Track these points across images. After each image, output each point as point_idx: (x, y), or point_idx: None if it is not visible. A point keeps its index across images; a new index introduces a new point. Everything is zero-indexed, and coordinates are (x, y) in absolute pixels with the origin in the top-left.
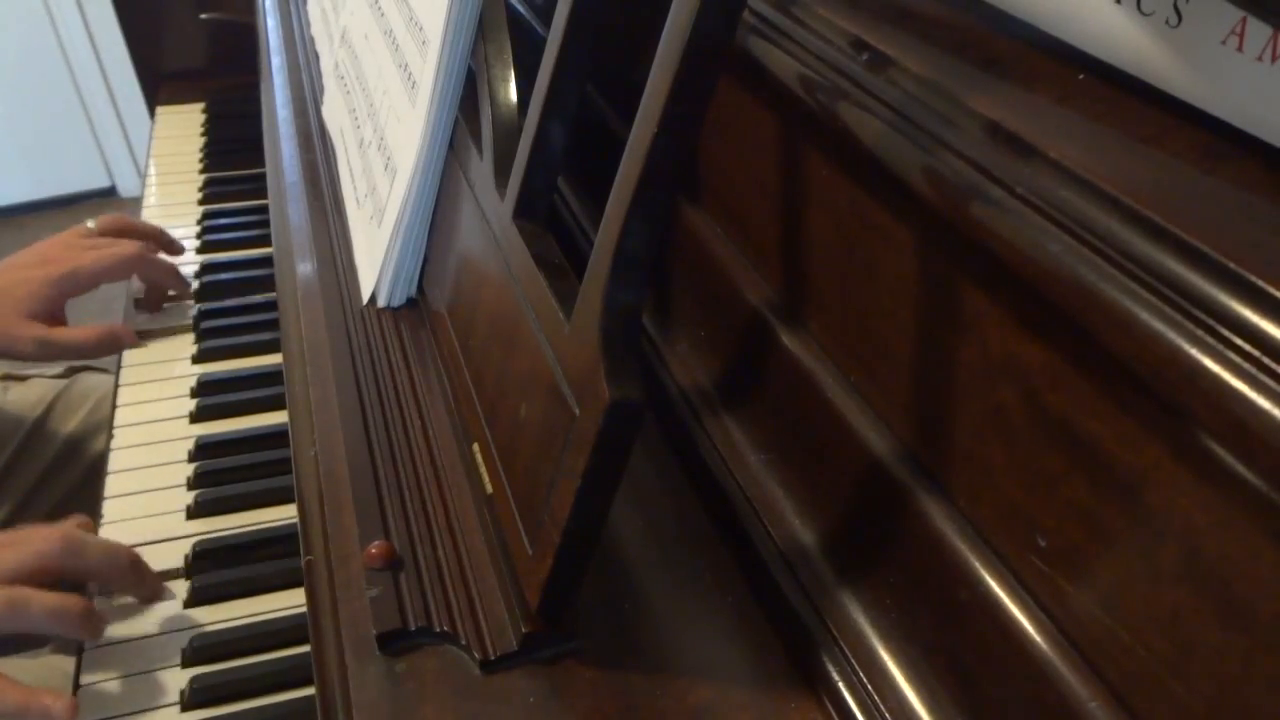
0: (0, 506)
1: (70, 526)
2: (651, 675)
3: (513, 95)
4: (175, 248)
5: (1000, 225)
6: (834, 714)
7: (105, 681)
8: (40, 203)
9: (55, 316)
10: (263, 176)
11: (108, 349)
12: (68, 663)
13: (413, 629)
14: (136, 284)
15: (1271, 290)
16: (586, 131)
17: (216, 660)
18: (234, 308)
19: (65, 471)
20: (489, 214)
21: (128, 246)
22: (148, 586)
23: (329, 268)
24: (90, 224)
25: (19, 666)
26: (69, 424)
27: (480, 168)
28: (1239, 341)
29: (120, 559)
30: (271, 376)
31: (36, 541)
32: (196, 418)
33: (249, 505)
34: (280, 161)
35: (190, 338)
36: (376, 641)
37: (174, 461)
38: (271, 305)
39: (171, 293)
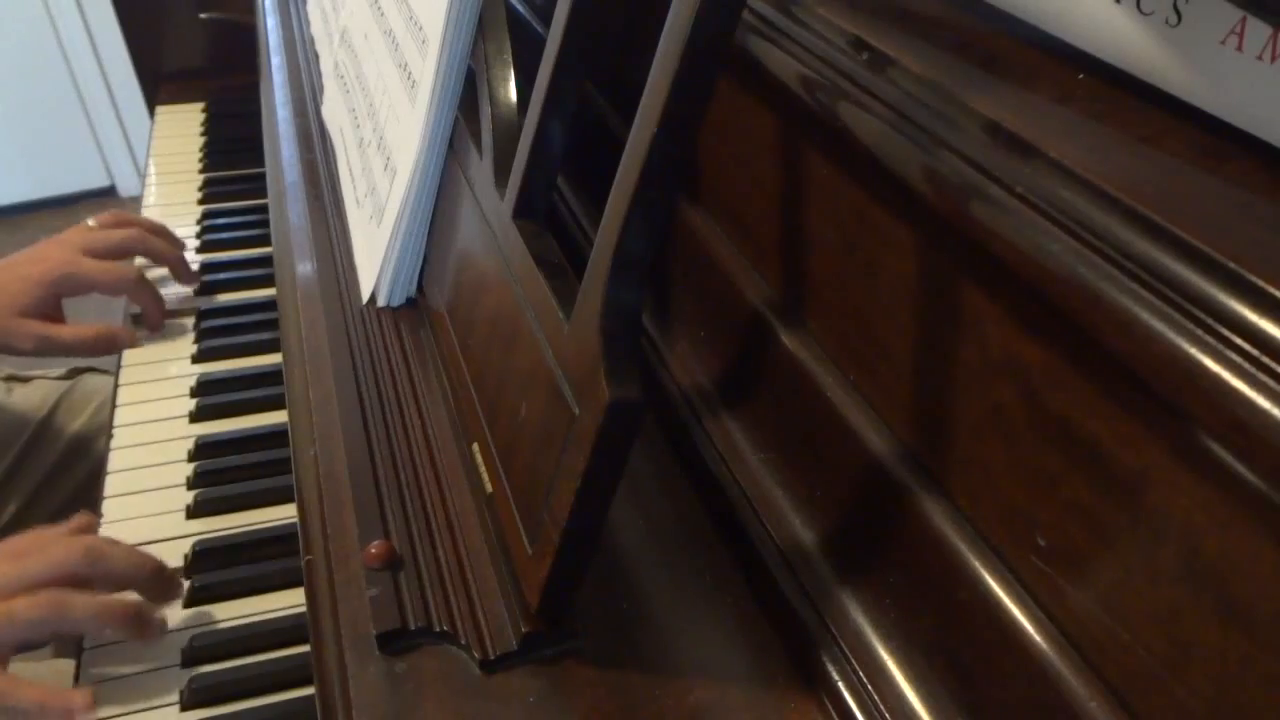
0: (6, 505)
1: (92, 536)
2: (651, 675)
3: (512, 95)
4: (176, 242)
5: (1000, 225)
6: (834, 714)
7: (105, 681)
8: (40, 202)
9: (52, 315)
10: (262, 176)
11: (106, 348)
12: (69, 664)
13: (412, 629)
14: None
15: (1271, 290)
16: (586, 131)
17: (216, 660)
18: (234, 307)
19: (70, 472)
20: (489, 213)
21: (129, 270)
22: (172, 594)
23: (329, 267)
24: (90, 222)
25: (19, 668)
26: (72, 426)
27: (480, 167)
28: (1239, 341)
29: (144, 568)
30: (271, 376)
31: (58, 550)
32: (196, 417)
33: (249, 505)
34: (280, 161)
35: (190, 337)
36: (376, 641)
37: (174, 461)
38: (271, 305)
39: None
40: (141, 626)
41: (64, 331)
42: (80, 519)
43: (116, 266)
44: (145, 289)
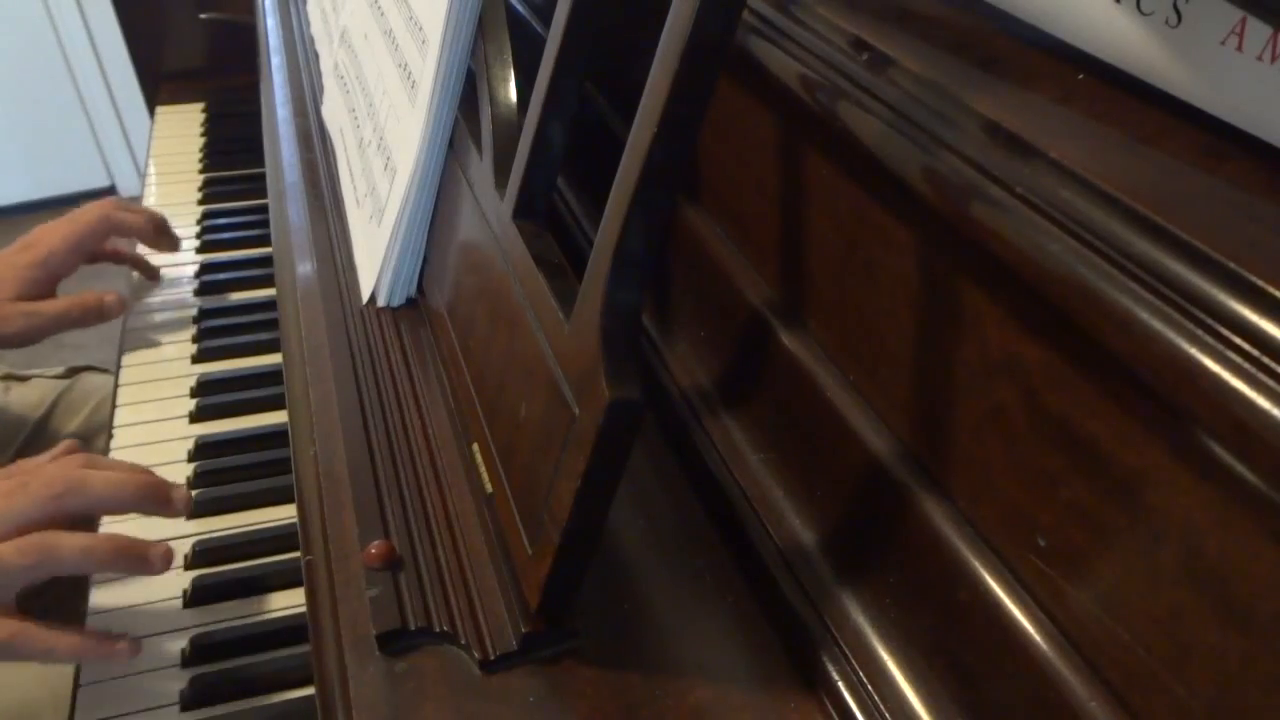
0: None
1: (73, 467)
2: (651, 675)
3: (513, 95)
4: (170, 235)
5: (1000, 225)
6: (834, 714)
7: (105, 681)
8: (40, 202)
9: (45, 300)
10: (262, 176)
11: (95, 317)
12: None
13: (412, 629)
14: (135, 276)
15: (1271, 290)
16: (586, 131)
17: (216, 660)
18: (234, 307)
19: None
20: (489, 213)
21: (92, 208)
22: (171, 505)
23: (329, 267)
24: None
25: (20, 665)
26: (70, 425)
27: (480, 167)
28: (1239, 341)
29: (126, 488)
30: (271, 376)
31: (36, 488)
32: (196, 418)
33: (249, 505)
34: (280, 161)
35: (190, 337)
36: (376, 641)
37: (174, 461)
38: (271, 305)
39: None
40: (139, 561)
41: (48, 305)
42: (65, 444)
43: (83, 216)
44: (121, 216)
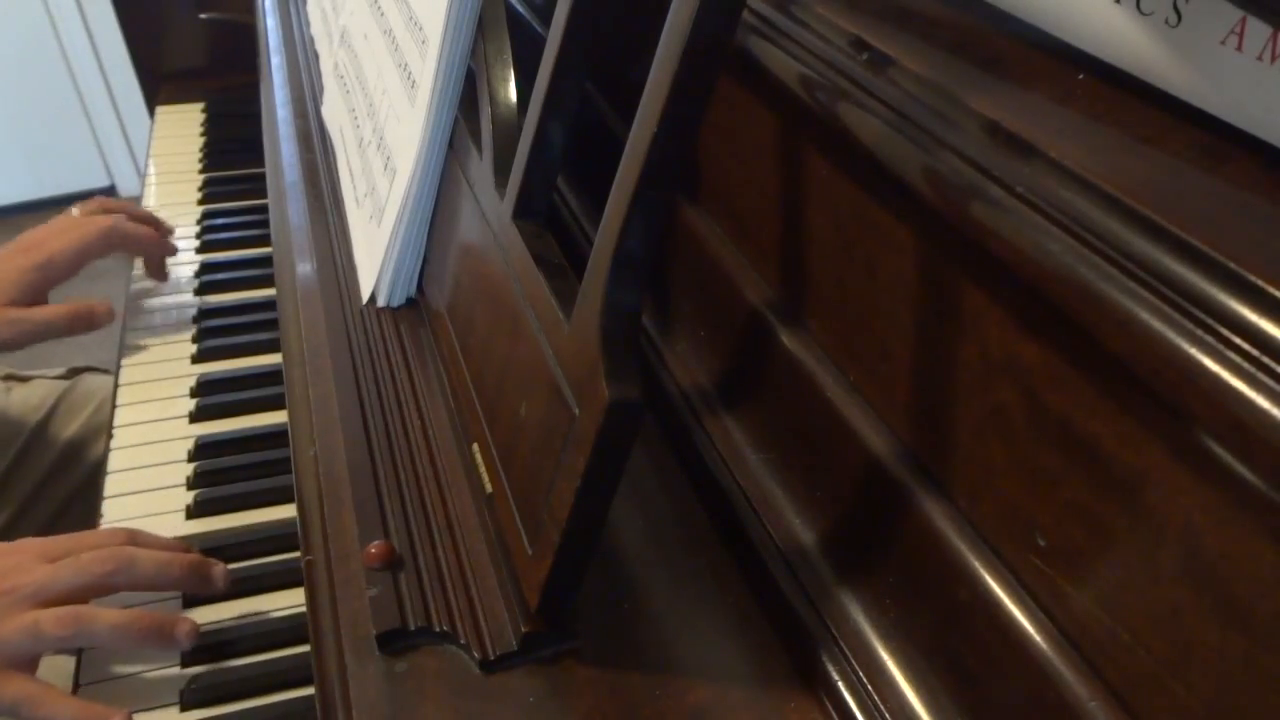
0: (1, 510)
1: (125, 547)
2: (651, 675)
3: (513, 95)
4: (163, 227)
5: (1000, 225)
6: (834, 714)
7: (105, 681)
8: (40, 202)
9: (38, 304)
10: (262, 176)
11: (84, 325)
12: (68, 663)
13: (412, 629)
14: (139, 268)
15: (1271, 290)
16: (586, 131)
17: (216, 660)
18: (234, 307)
19: (66, 475)
20: (488, 213)
21: (101, 220)
22: (212, 583)
23: (328, 267)
24: (75, 210)
25: None
26: (71, 426)
27: (480, 167)
28: (1239, 341)
29: (173, 569)
30: (271, 376)
31: (88, 562)
32: (196, 417)
33: (249, 505)
34: (280, 161)
35: (190, 337)
36: (376, 641)
37: (174, 461)
38: (271, 305)
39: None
40: (167, 639)
41: (38, 313)
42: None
43: (88, 228)
44: (126, 231)
